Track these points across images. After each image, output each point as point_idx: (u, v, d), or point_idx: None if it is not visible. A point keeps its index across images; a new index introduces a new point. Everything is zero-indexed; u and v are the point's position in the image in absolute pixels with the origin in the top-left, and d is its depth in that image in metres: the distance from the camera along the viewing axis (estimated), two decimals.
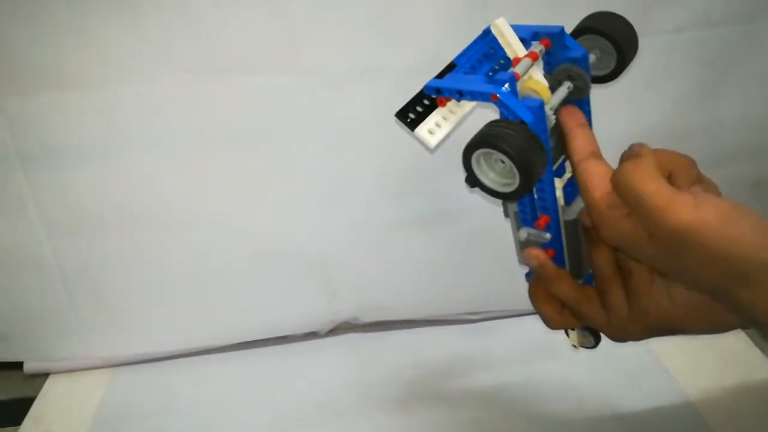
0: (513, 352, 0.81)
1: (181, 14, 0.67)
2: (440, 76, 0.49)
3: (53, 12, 0.65)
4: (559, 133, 0.48)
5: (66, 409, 0.78)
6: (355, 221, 0.79)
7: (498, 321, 0.86)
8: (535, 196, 0.49)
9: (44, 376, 0.83)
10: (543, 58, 0.49)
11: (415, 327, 0.86)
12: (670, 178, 0.46)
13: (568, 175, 0.51)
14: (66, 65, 0.68)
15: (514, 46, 0.48)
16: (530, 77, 0.47)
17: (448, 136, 0.48)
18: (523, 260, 0.53)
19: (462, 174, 0.46)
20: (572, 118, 0.48)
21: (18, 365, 0.83)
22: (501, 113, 0.45)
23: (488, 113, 0.46)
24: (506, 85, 0.44)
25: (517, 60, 0.47)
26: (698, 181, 0.47)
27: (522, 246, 0.52)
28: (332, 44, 0.69)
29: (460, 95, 0.46)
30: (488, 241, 0.74)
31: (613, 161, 0.47)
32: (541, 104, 0.45)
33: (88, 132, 0.71)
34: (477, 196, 0.58)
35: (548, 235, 0.50)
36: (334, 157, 0.75)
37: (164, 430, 0.74)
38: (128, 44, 0.67)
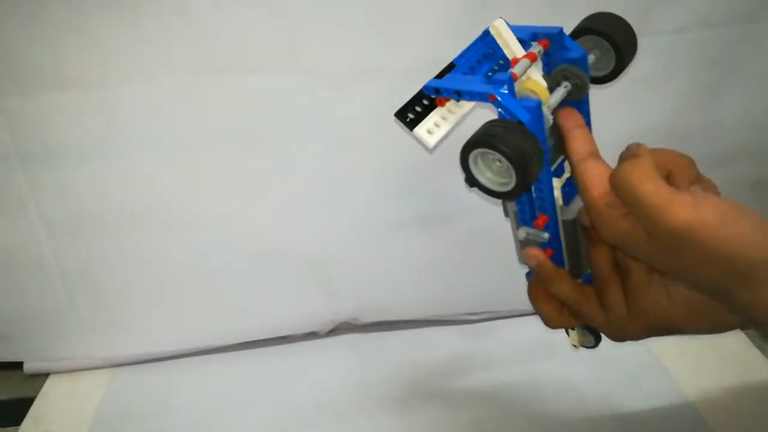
0: (513, 352, 0.81)
1: (181, 14, 0.67)
2: (440, 76, 0.49)
3: (53, 12, 0.65)
4: (558, 134, 0.49)
5: (66, 410, 0.78)
6: (355, 221, 0.79)
7: (498, 321, 0.86)
8: (534, 196, 0.50)
9: (44, 376, 0.83)
10: (542, 59, 0.49)
11: (415, 327, 0.86)
12: (669, 178, 0.46)
13: (566, 175, 0.52)
14: (66, 65, 0.68)
15: (512, 47, 0.48)
16: (529, 78, 0.48)
17: (446, 135, 0.48)
18: (522, 260, 0.53)
19: (462, 174, 0.47)
20: (570, 119, 0.48)
21: (18, 365, 0.83)
22: (499, 113, 0.45)
23: (489, 113, 0.46)
24: (504, 86, 0.45)
25: (516, 61, 0.47)
26: (697, 180, 0.47)
27: (521, 245, 0.53)
28: (332, 44, 0.69)
29: (459, 95, 0.46)
30: (488, 241, 0.74)
31: (613, 161, 0.47)
32: (539, 104, 0.45)
33: (88, 132, 0.71)
34: (477, 196, 0.58)
35: (547, 235, 0.50)
36: (334, 157, 0.75)
37: (164, 430, 0.74)
38: (128, 44, 0.67)
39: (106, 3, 0.65)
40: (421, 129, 0.48)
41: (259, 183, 0.76)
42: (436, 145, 0.48)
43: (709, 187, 0.48)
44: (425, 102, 0.48)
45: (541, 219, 0.50)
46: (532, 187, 0.49)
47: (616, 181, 0.44)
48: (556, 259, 0.52)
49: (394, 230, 0.80)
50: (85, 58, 0.68)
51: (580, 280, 0.53)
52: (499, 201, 0.50)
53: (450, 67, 0.49)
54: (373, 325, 0.86)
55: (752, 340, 0.79)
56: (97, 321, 0.81)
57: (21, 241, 0.76)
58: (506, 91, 0.44)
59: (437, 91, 0.47)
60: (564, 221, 0.51)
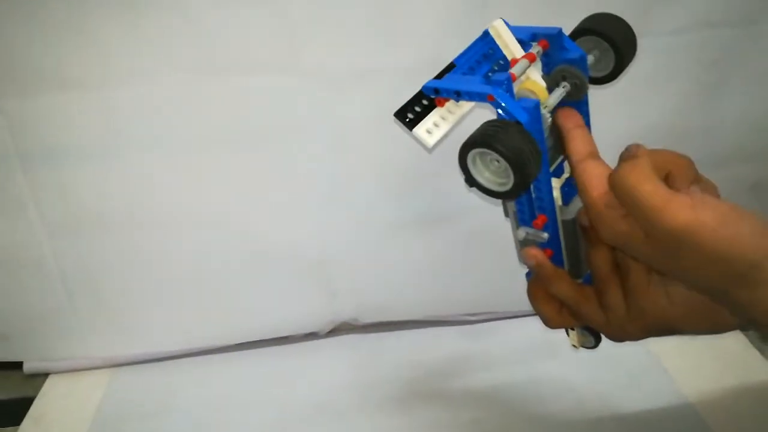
0: (513, 352, 0.81)
1: (181, 14, 0.67)
2: (439, 76, 0.49)
3: (53, 12, 0.65)
4: (557, 134, 0.49)
5: (66, 410, 0.78)
6: (355, 221, 0.79)
7: (498, 322, 0.86)
8: (533, 196, 0.50)
9: (44, 376, 0.83)
10: (541, 59, 0.49)
11: (415, 328, 0.86)
12: (668, 178, 0.47)
13: (566, 175, 0.52)
14: (66, 65, 0.68)
15: (511, 48, 0.49)
16: (528, 78, 0.48)
17: (446, 135, 0.49)
18: (522, 260, 0.53)
19: (462, 174, 0.47)
20: (570, 119, 0.49)
21: (18, 365, 0.83)
22: (497, 114, 0.45)
23: (489, 113, 0.46)
24: (502, 86, 0.45)
25: (515, 61, 0.48)
26: (696, 181, 0.48)
27: (521, 245, 0.53)
28: (332, 44, 0.70)
29: (458, 95, 0.47)
30: (488, 242, 0.74)
31: (614, 161, 0.47)
32: (537, 104, 0.45)
33: (88, 132, 0.71)
34: (477, 197, 0.58)
35: (546, 235, 0.51)
36: (334, 157, 0.75)
37: (164, 430, 0.75)
38: (128, 44, 0.68)
39: (106, 3, 0.65)
40: (420, 129, 0.48)
41: (259, 183, 0.76)
42: (436, 145, 0.48)
43: (708, 188, 0.48)
44: (425, 102, 0.49)
45: (540, 219, 0.50)
46: (531, 187, 0.49)
47: (614, 182, 0.44)
48: (556, 259, 0.53)
49: (394, 230, 0.80)
50: (85, 58, 0.68)
51: (580, 280, 0.53)
52: (499, 201, 0.50)
53: (450, 68, 0.50)
54: (373, 326, 0.87)
55: (751, 341, 0.79)
56: (97, 321, 0.81)
57: (21, 241, 0.76)
58: (504, 92, 0.45)
59: (436, 91, 0.48)
60: (563, 221, 0.51)
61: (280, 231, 0.79)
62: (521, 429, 0.72)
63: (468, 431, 0.72)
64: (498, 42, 0.49)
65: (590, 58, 0.50)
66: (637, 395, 0.74)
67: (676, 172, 0.47)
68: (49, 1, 0.65)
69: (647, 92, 0.75)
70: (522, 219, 0.52)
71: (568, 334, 0.58)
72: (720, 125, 0.78)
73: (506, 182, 0.45)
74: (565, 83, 0.48)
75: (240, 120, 0.73)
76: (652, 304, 0.49)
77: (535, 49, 0.48)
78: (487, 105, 0.46)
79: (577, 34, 0.50)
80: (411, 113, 0.48)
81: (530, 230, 0.51)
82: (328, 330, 0.86)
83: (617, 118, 0.72)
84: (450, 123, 0.49)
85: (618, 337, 0.52)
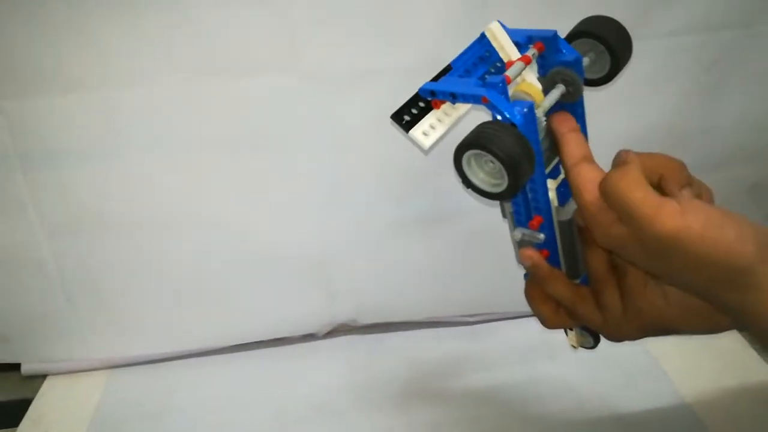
0: (512, 352, 0.82)
1: (181, 14, 0.68)
2: (436, 78, 0.51)
3: (53, 12, 0.66)
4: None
5: (64, 411, 0.79)
6: (354, 222, 0.80)
7: (496, 323, 0.87)
8: (529, 197, 0.51)
9: (42, 377, 0.84)
10: (537, 62, 0.51)
11: (414, 329, 0.87)
12: (660, 182, 0.48)
13: (562, 176, 0.53)
14: (66, 65, 0.69)
15: (507, 50, 0.50)
16: (524, 80, 0.49)
17: (442, 137, 0.50)
18: (519, 260, 0.54)
19: (457, 176, 0.48)
20: (564, 123, 0.50)
21: (16, 366, 0.84)
22: (492, 115, 0.47)
23: (487, 115, 0.48)
24: (497, 89, 0.46)
25: (511, 63, 0.49)
26: (688, 184, 0.49)
27: (518, 246, 0.54)
28: (332, 44, 0.71)
29: (454, 98, 0.48)
30: (488, 242, 0.75)
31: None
32: (531, 106, 0.47)
33: (87, 132, 0.72)
34: (476, 197, 0.60)
35: (542, 236, 0.52)
36: (333, 158, 0.76)
37: (163, 431, 0.76)
38: (128, 44, 0.68)
39: (106, 3, 0.66)
40: (417, 131, 0.49)
41: (259, 183, 0.77)
42: (432, 147, 0.50)
43: (702, 191, 0.50)
44: (421, 104, 0.50)
45: (536, 220, 0.52)
46: (527, 188, 0.50)
47: (604, 188, 0.45)
48: (553, 259, 0.54)
49: (393, 231, 0.81)
50: (85, 58, 0.69)
51: (577, 281, 0.54)
52: (496, 202, 0.51)
53: (446, 70, 0.51)
54: (371, 327, 0.87)
55: (749, 342, 0.80)
56: (96, 322, 0.82)
57: (20, 242, 0.77)
58: (499, 94, 0.46)
59: (433, 93, 0.49)
60: (559, 222, 0.52)
61: (280, 231, 0.80)
62: (520, 429, 0.73)
63: (467, 431, 0.73)
64: (494, 44, 0.51)
65: (586, 61, 0.51)
66: (636, 395, 0.75)
67: (668, 175, 0.48)
68: (49, 1, 0.66)
69: (647, 93, 0.76)
70: (518, 220, 0.53)
71: (567, 334, 0.60)
72: (720, 126, 0.79)
73: (501, 183, 0.46)
74: (561, 85, 0.50)
75: (240, 120, 0.73)
76: (648, 304, 0.50)
77: (531, 51, 0.49)
78: (483, 107, 0.47)
79: (573, 36, 0.52)
80: (408, 115, 0.50)
81: (526, 231, 0.53)
82: (326, 331, 0.87)
83: (617, 119, 0.73)
84: (446, 125, 0.50)
85: (615, 338, 0.53)
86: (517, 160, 0.44)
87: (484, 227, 0.77)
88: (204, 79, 0.71)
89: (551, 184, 0.53)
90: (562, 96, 0.50)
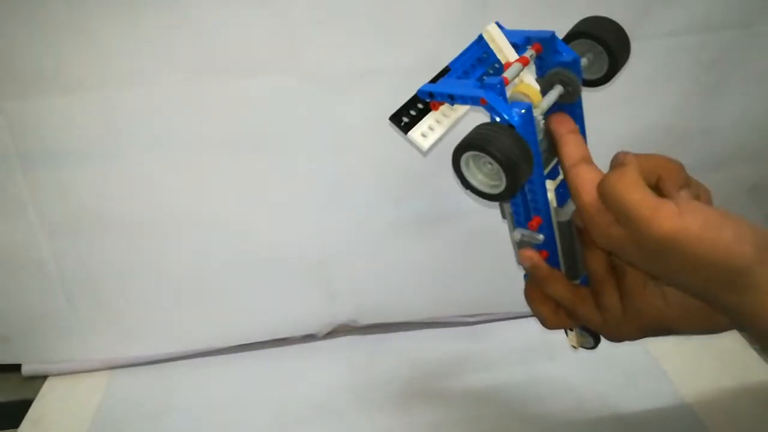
0: (512, 353, 0.83)
1: (181, 14, 0.68)
2: (434, 80, 0.51)
3: (53, 12, 0.67)
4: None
5: (64, 412, 0.80)
6: (354, 222, 0.81)
7: (496, 323, 0.88)
8: (528, 198, 0.52)
9: (42, 378, 0.85)
10: (535, 63, 0.51)
11: (414, 329, 0.88)
12: (658, 183, 0.49)
13: (561, 177, 0.54)
14: (66, 65, 0.69)
15: (505, 51, 0.51)
16: (522, 81, 0.50)
17: (441, 139, 0.51)
18: (518, 261, 0.55)
19: (456, 177, 0.49)
20: (562, 125, 0.50)
21: (16, 367, 0.85)
22: (491, 117, 0.47)
23: (485, 116, 0.48)
24: (494, 90, 0.47)
25: (508, 65, 0.50)
26: (686, 185, 0.49)
27: (517, 247, 0.55)
28: (332, 44, 0.71)
29: (452, 99, 0.49)
30: (488, 242, 0.75)
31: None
32: (529, 107, 0.47)
33: (87, 133, 0.73)
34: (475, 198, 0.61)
35: (541, 236, 0.53)
36: (334, 158, 0.76)
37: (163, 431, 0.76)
38: (128, 44, 0.69)
39: (106, 3, 0.67)
40: (415, 132, 0.50)
41: (259, 183, 0.77)
42: (431, 149, 0.50)
43: (700, 191, 0.50)
44: (420, 106, 0.51)
45: (536, 220, 0.52)
46: (526, 189, 0.51)
47: (602, 190, 0.46)
48: (552, 260, 0.54)
49: (393, 231, 0.81)
50: (85, 59, 0.69)
51: (577, 281, 0.55)
52: (495, 203, 0.52)
53: (444, 71, 0.52)
54: (371, 327, 0.88)
55: (749, 342, 0.80)
56: (96, 322, 0.83)
57: (20, 242, 0.77)
58: (497, 95, 0.47)
59: (431, 95, 0.50)
60: (558, 223, 0.53)
61: (280, 231, 0.80)
62: (520, 429, 0.73)
63: (467, 431, 0.73)
64: (492, 46, 0.51)
65: (584, 61, 0.52)
66: (636, 395, 0.75)
67: (666, 176, 0.49)
68: (49, 1, 0.66)
69: (647, 93, 0.76)
70: (518, 221, 0.54)
71: (567, 335, 0.60)
72: (719, 126, 0.80)
73: (499, 184, 0.46)
74: (559, 86, 0.50)
75: (240, 120, 0.74)
76: (648, 305, 0.50)
77: (529, 52, 0.50)
78: (481, 108, 0.48)
79: (570, 37, 0.52)
80: (406, 117, 0.50)
81: (526, 232, 0.53)
82: (326, 332, 0.88)
83: (617, 119, 0.74)
84: (445, 126, 0.51)
85: (615, 338, 0.53)
86: (515, 162, 0.44)
87: (484, 227, 0.77)
88: (204, 79, 0.71)
89: (550, 185, 0.53)
90: (561, 97, 0.50)
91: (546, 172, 0.52)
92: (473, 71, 0.52)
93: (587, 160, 0.49)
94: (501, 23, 0.52)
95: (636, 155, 0.48)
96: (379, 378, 0.81)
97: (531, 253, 0.53)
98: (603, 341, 0.57)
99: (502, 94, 0.47)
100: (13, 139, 0.72)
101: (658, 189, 0.49)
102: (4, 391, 0.84)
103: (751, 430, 0.71)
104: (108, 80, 0.71)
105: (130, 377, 0.84)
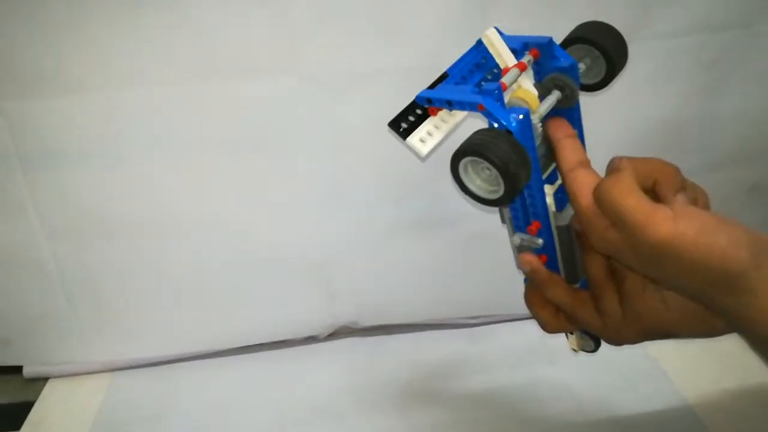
0: (511, 355, 0.84)
1: (181, 14, 0.69)
2: (432, 86, 0.52)
3: (53, 12, 0.67)
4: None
5: (65, 414, 0.81)
6: (355, 223, 0.81)
7: (496, 325, 0.89)
8: (527, 202, 0.53)
9: (43, 380, 0.86)
10: (533, 68, 0.52)
11: (414, 331, 0.89)
12: (654, 187, 0.50)
13: (559, 181, 0.55)
14: (66, 66, 0.70)
15: (504, 57, 0.52)
16: (519, 87, 0.51)
17: (439, 144, 0.52)
18: (518, 265, 0.56)
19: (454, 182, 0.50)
20: (560, 129, 0.51)
21: (17, 369, 0.86)
22: (489, 122, 0.48)
23: (484, 121, 0.49)
24: (492, 95, 0.48)
25: (507, 70, 0.51)
26: (683, 188, 0.50)
27: (517, 251, 0.56)
28: (332, 45, 0.72)
29: (450, 105, 0.50)
30: (488, 245, 0.75)
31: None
32: (527, 113, 0.48)
33: (87, 133, 0.73)
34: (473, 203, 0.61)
35: (540, 241, 0.54)
36: (334, 158, 0.77)
37: None
38: (128, 44, 0.70)
39: (106, 3, 0.68)
40: (414, 138, 0.51)
41: (259, 184, 0.78)
42: (429, 154, 0.51)
43: (697, 194, 0.51)
44: (418, 111, 0.52)
45: (535, 225, 0.53)
46: (525, 194, 0.52)
47: (598, 195, 0.47)
48: (552, 264, 0.55)
49: (393, 232, 0.82)
50: (85, 59, 0.70)
51: (576, 285, 0.56)
52: (495, 208, 0.52)
53: (443, 77, 0.53)
54: (372, 329, 0.89)
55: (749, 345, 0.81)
56: (97, 325, 0.84)
57: (20, 243, 0.78)
58: (495, 101, 0.48)
59: (429, 101, 0.51)
60: (557, 227, 0.54)
61: (280, 232, 0.81)
62: (519, 431, 0.74)
63: None
64: (491, 51, 0.52)
65: (581, 66, 0.53)
66: (636, 398, 0.76)
67: (662, 180, 0.50)
68: (49, 1, 0.67)
69: (647, 93, 0.77)
70: (517, 225, 0.55)
71: (567, 338, 0.61)
72: (720, 126, 0.80)
73: (497, 190, 0.48)
74: (556, 91, 0.51)
75: (240, 121, 0.75)
76: (648, 309, 0.51)
77: (527, 58, 0.51)
78: (479, 114, 0.49)
79: (568, 42, 0.53)
80: (405, 123, 0.51)
81: (525, 236, 0.54)
82: (327, 334, 0.88)
83: (617, 119, 0.75)
84: (443, 132, 0.52)
85: (615, 341, 0.55)
86: (512, 167, 0.45)
87: (483, 229, 0.78)
88: (204, 79, 0.72)
89: (549, 190, 0.54)
90: (558, 102, 0.51)
91: (544, 176, 0.53)
92: (471, 76, 0.53)
93: (585, 164, 0.50)
94: (501, 25, 0.53)
95: (632, 159, 0.49)
96: (380, 380, 0.82)
97: (530, 258, 0.54)
98: (603, 344, 0.58)
99: (500, 99, 0.48)
100: (13, 139, 0.73)
101: (654, 193, 0.50)
102: (6, 393, 0.85)
103: None
104: (108, 80, 0.71)
105: (131, 379, 0.85)
